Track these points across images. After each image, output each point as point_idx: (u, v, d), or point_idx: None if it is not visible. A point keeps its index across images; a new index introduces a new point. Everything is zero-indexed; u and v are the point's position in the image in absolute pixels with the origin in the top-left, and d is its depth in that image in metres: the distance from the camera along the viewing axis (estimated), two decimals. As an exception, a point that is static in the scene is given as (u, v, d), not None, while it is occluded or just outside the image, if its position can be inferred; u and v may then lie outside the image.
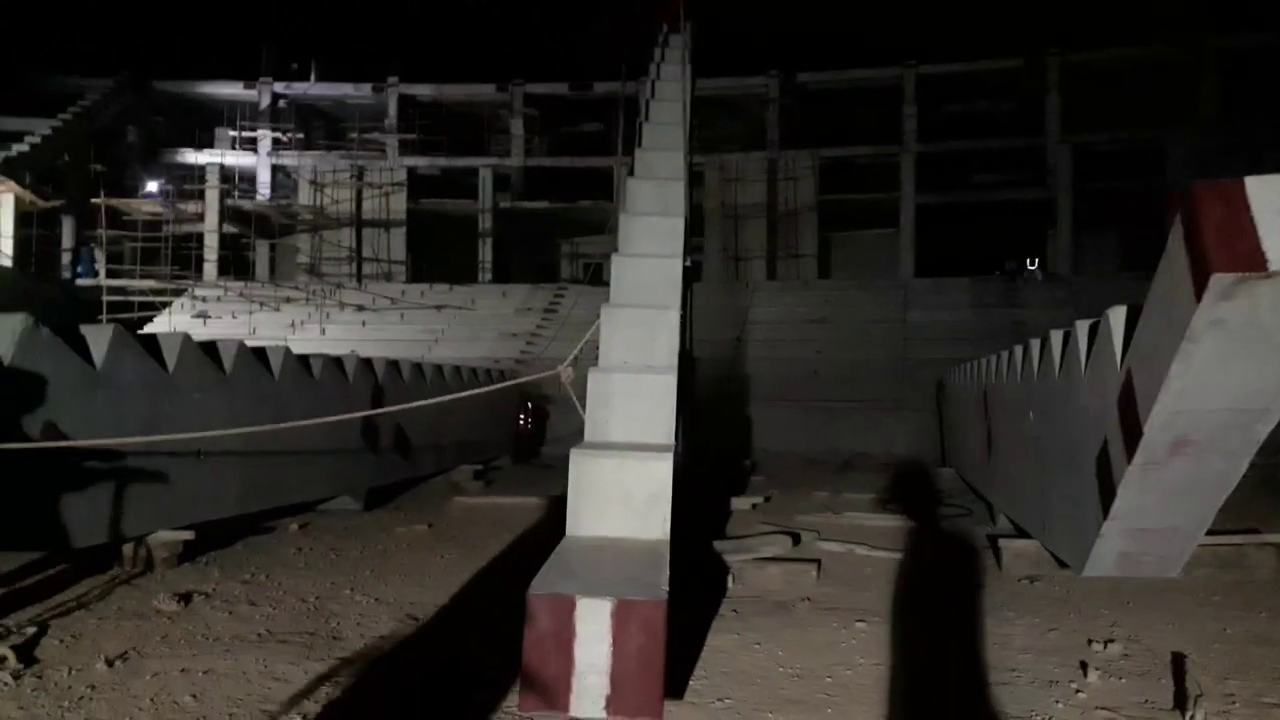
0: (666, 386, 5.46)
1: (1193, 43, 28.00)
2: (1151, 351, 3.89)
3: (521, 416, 16.20)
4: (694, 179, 29.23)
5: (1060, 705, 3.84)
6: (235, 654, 4.40)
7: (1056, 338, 6.00)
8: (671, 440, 5.40)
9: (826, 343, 22.27)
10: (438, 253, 31.75)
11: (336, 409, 8.78)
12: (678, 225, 7.59)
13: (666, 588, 3.82)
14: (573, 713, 3.54)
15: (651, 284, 6.73)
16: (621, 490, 4.77)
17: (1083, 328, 5.29)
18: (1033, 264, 28.17)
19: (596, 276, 33.03)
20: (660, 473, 4.77)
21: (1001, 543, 6.69)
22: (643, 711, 3.50)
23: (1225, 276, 3.20)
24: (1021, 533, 7.22)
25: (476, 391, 8.37)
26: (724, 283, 28.86)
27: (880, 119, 30.87)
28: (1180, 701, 3.85)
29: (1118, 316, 4.54)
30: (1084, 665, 4.31)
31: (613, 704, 3.47)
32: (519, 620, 3.47)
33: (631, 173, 8.79)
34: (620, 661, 3.49)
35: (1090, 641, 4.73)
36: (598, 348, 7.72)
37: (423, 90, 33.04)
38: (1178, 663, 4.30)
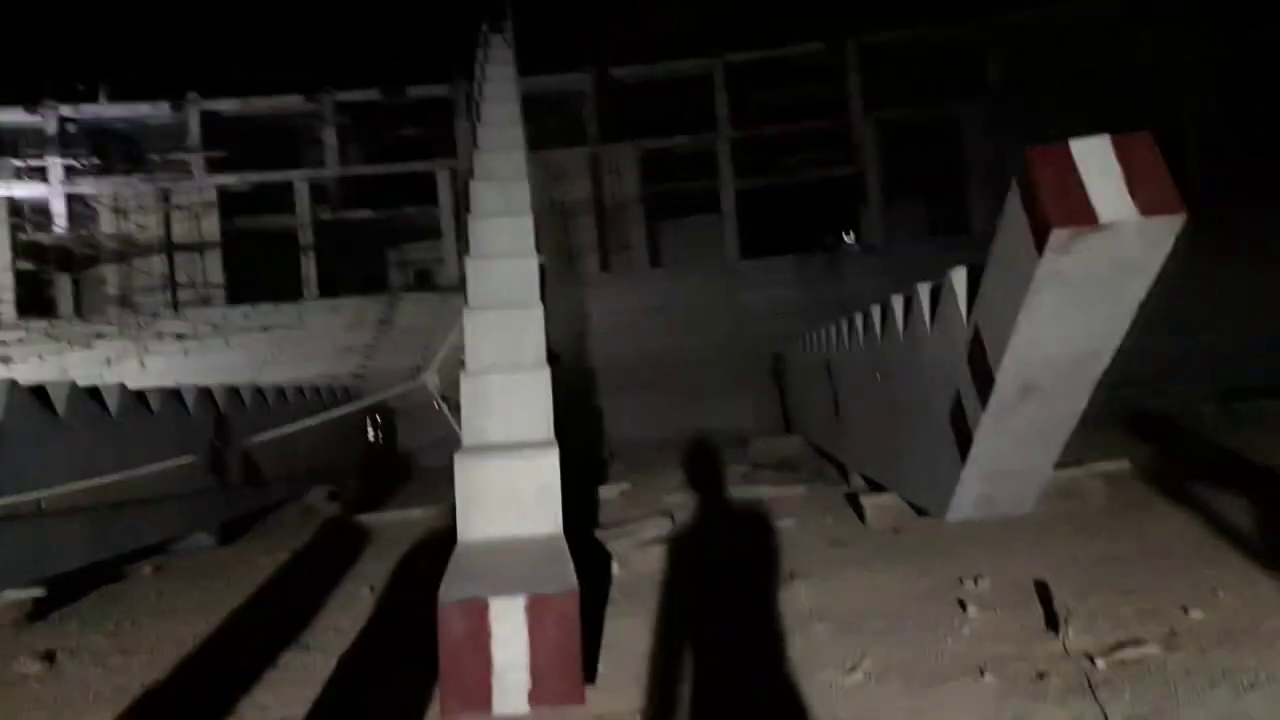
0: (542, 384, 5.52)
1: (979, 20, 29.91)
2: (998, 306, 4.22)
3: (370, 433, 15.82)
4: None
5: (949, 641, 4.12)
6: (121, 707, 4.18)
7: (898, 303, 6.37)
8: (552, 436, 5.45)
9: (666, 330, 22.70)
10: (258, 272, 30.46)
11: (179, 443, 8.39)
12: (527, 224, 7.63)
13: (574, 579, 3.89)
14: (496, 710, 3.57)
15: (510, 284, 6.76)
16: (510, 490, 4.80)
17: (924, 290, 5.65)
18: (849, 237, 29.50)
19: (426, 281, 32.50)
20: (548, 468, 4.82)
21: (863, 499, 7.05)
22: (565, 699, 3.57)
23: (1062, 231, 3.52)
24: (876, 488, 7.63)
25: (339, 412, 8.16)
26: (558, 279, 28.91)
27: (696, 109, 31.63)
28: (1052, 622, 4.20)
29: (959, 277, 4.88)
30: (962, 603, 4.63)
31: (535, 695, 3.52)
32: (425, 632, 3.47)
33: (471, 175, 8.76)
34: (538, 655, 3.55)
35: (961, 580, 5.07)
36: (461, 351, 7.68)
37: (226, 105, 31.59)
38: (1042, 589, 4.68)
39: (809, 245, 28.84)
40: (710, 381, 19.32)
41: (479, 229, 7.37)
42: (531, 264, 6.98)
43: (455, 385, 7.32)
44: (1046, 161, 3.62)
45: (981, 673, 3.68)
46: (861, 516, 7.15)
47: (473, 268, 6.81)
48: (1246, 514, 6.11)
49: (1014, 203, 3.87)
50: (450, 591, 3.68)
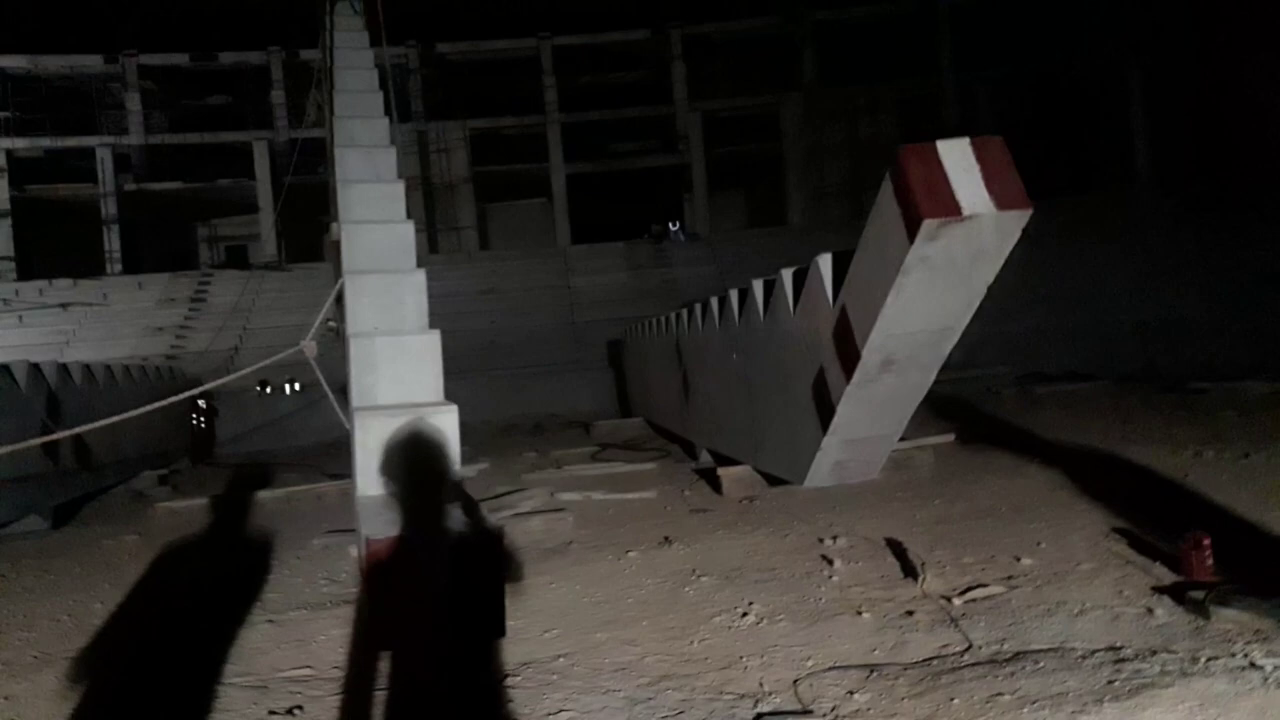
0: (431, 346, 5.65)
1: (796, 15, 31.24)
2: (866, 287, 4.71)
3: (195, 416, 15.20)
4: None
5: (823, 589, 4.59)
6: (23, 678, 4.10)
7: (758, 286, 6.84)
8: (443, 397, 5.60)
9: (499, 312, 22.76)
10: (55, 245, 28.32)
11: (10, 422, 7.98)
12: (398, 190, 7.69)
13: (494, 524, 4.12)
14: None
15: (386, 249, 6.82)
16: (410, 445, 4.95)
17: (787, 275, 6.13)
18: (675, 225, 30.28)
19: (240, 259, 31.10)
20: (448, 425, 5.00)
21: (719, 471, 7.53)
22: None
23: (932, 221, 4.01)
24: (728, 461, 8.13)
25: (196, 391, 7.97)
26: (386, 259, 28.37)
27: (526, 90, 31.60)
28: (908, 571, 4.74)
29: (826, 262, 5.37)
30: (826, 558, 5.13)
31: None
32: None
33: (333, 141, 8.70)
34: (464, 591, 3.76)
35: (821, 539, 5.59)
36: (330, 320, 7.64)
37: (14, 62, 29.11)
38: (895, 545, 5.24)
39: (637, 232, 29.43)
40: (546, 364, 19.57)
41: (349, 195, 7.36)
42: (407, 229, 7.06)
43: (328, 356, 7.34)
44: (917, 159, 4.11)
45: (859, 612, 4.15)
46: (717, 488, 7.63)
47: (349, 232, 6.82)
48: (1050, 480, 6.96)
49: (887, 195, 4.35)
50: (373, 530, 3.85)
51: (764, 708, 3.21)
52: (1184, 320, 17.38)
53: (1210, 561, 4.24)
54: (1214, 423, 9.30)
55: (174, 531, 7.98)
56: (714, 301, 8.28)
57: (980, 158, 4.09)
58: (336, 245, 7.94)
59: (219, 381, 10.56)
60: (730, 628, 4.09)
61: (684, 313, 9.79)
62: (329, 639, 4.34)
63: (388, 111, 9.31)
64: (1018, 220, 4.12)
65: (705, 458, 9.43)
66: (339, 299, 7.26)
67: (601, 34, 32.46)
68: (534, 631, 4.23)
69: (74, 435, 9.54)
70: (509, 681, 3.61)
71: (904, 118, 31.12)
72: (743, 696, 3.32)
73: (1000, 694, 3.09)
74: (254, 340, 20.90)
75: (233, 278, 26.28)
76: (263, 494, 9.29)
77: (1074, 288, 19.46)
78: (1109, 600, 4.07)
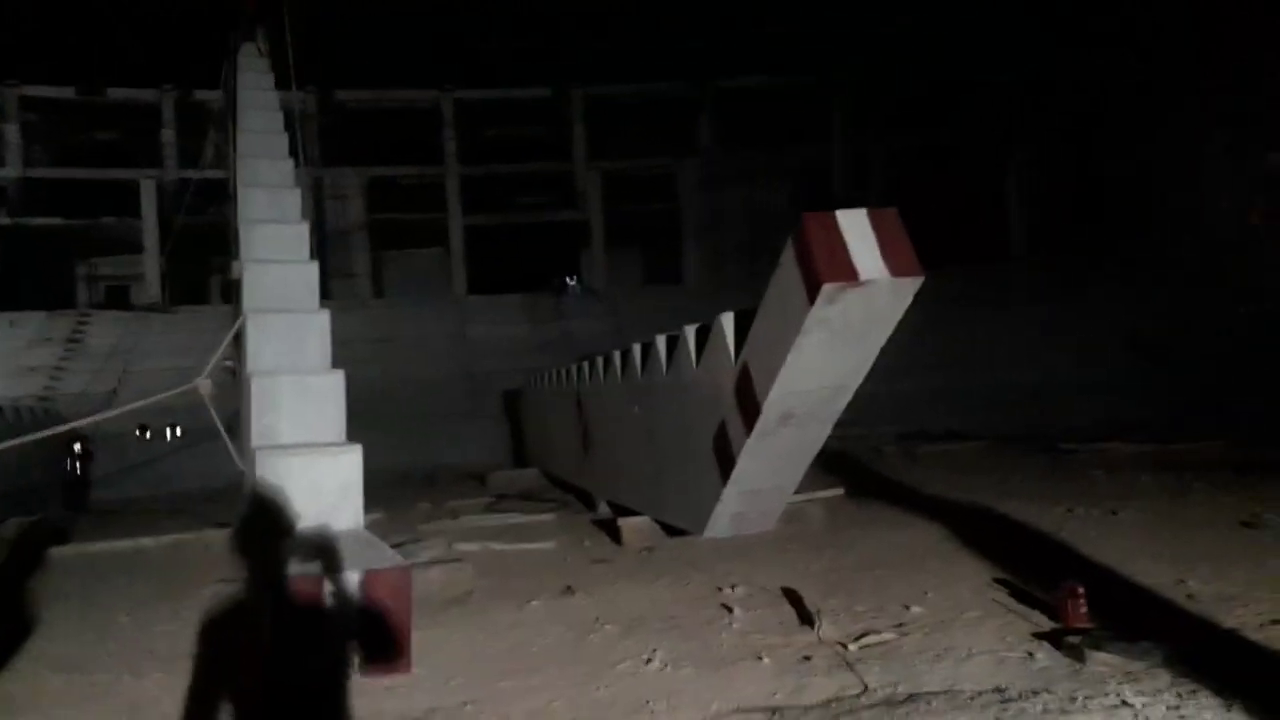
0: (335, 386, 5.64)
1: (696, 82, 32.14)
2: (767, 345, 4.92)
3: (69, 460, 14.54)
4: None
5: (724, 636, 4.72)
6: None
7: (661, 342, 7.02)
8: (344, 437, 5.57)
9: (393, 361, 22.44)
10: (-83, 278, 26.81)
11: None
12: (302, 231, 7.68)
13: (402, 559, 4.13)
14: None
15: (290, 289, 6.79)
16: (312, 485, 4.93)
17: (690, 332, 6.32)
18: (573, 279, 30.52)
19: (121, 300, 29.96)
20: (350, 464, 5.01)
21: (620, 522, 7.62)
22: (395, 669, 3.82)
23: (831, 285, 4.26)
24: (627, 512, 8.22)
25: (68, 427, 7.70)
26: (276, 304, 27.77)
27: (425, 141, 31.59)
28: (805, 618, 4.91)
29: (728, 321, 5.58)
30: (726, 606, 5.26)
31: (366, 666, 3.74)
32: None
33: (237, 181, 8.63)
34: (371, 627, 3.78)
35: (720, 588, 5.72)
36: (227, 360, 7.49)
37: (-123, 87, 27.77)
38: (791, 594, 5.41)
39: (535, 285, 29.54)
40: (440, 415, 19.38)
41: (253, 235, 7.33)
42: (311, 269, 7.05)
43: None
44: (818, 226, 4.37)
45: (759, 658, 4.29)
46: (617, 538, 7.71)
47: (251, 271, 6.78)
48: (935, 534, 7.27)
49: (788, 260, 4.59)
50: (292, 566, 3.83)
51: (672, 749, 3.30)
52: (1058, 384, 18.33)
53: (1084, 610, 4.52)
54: (1084, 481, 9.85)
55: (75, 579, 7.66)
56: (616, 355, 8.43)
57: (876, 227, 4.37)
58: (237, 284, 7.86)
59: (97, 417, 10.24)
60: (636, 674, 4.18)
61: (585, 365, 9.91)
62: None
63: (293, 154, 9.30)
64: (910, 286, 4.41)
65: (604, 509, 9.51)
66: (237, 338, 7.18)
67: (504, 90, 32.77)
68: (437, 679, 4.23)
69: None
70: (416, 727, 3.62)
71: (798, 184, 32.21)
72: (651, 739, 3.40)
73: (896, 733, 3.25)
74: (135, 383, 20.10)
75: (114, 319, 25.30)
76: (146, 541, 8.96)
77: (955, 353, 20.32)
78: (993, 645, 4.30)
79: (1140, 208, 25.50)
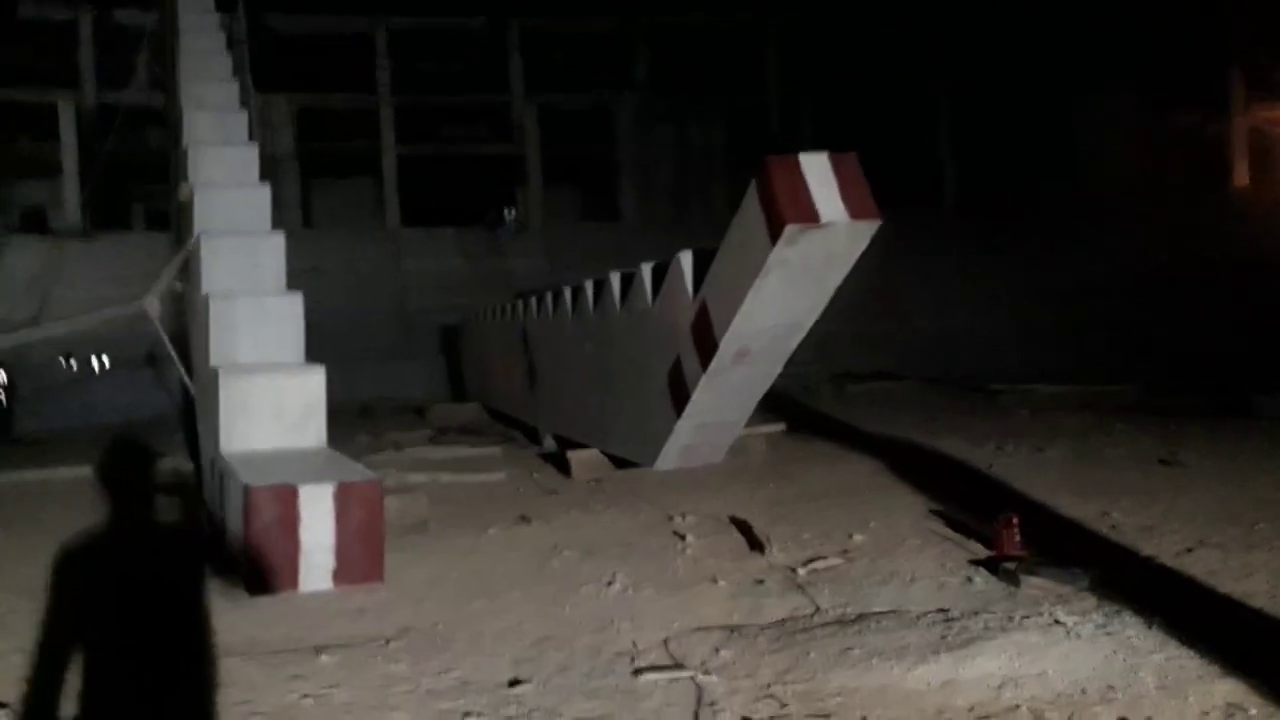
0: (294, 308, 5.64)
1: (630, 18, 31.78)
2: (728, 284, 5.07)
3: (-7, 391, 14.17)
4: (163, 120, 26.47)
5: (679, 561, 4.93)
6: None
7: (615, 278, 7.13)
8: (303, 360, 5.60)
9: (325, 294, 22.04)
10: None
11: None
12: (252, 153, 7.58)
13: (373, 473, 4.24)
14: (302, 588, 3.86)
15: (241, 212, 6.74)
16: (275, 406, 4.97)
17: (646, 269, 6.44)
18: (509, 214, 30.24)
19: (37, 224, 28.86)
20: (314, 385, 5.07)
21: (569, 454, 7.78)
22: (368, 577, 3.95)
23: (794, 227, 4.40)
24: (574, 446, 8.37)
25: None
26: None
27: (358, 69, 30.78)
28: (754, 545, 5.14)
29: (687, 260, 5.71)
30: (678, 534, 5.47)
31: (339, 575, 3.87)
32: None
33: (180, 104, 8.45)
34: (344, 537, 3.90)
35: (671, 517, 5.93)
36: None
37: None
38: (740, 523, 5.64)
39: (470, 219, 29.19)
40: (375, 349, 19.24)
41: (201, 157, 7.22)
42: (263, 192, 6.99)
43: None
44: (781, 170, 4.50)
45: (715, 581, 4.50)
46: (565, 471, 7.87)
47: (202, 194, 6.70)
48: (872, 468, 7.58)
49: (751, 201, 4.72)
50: (256, 479, 3.90)
51: (640, 663, 3.49)
52: (978, 331, 18.92)
53: (1018, 539, 4.82)
54: (1011, 421, 10.30)
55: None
56: (567, 291, 8.51)
57: (837, 171, 4.52)
58: (185, 207, 7.73)
59: (24, 334, 9.96)
60: (598, 596, 4.36)
61: (532, 301, 9.97)
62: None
63: (236, 76, 9.09)
64: (868, 229, 4.58)
65: (550, 443, 9.65)
66: (187, 261, 7.10)
67: (438, 18, 32.00)
68: (407, 602, 4.35)
69: None
70: (392, 645, 3.75)
71: (732, 128, 32.23)
72: (619, 654, 3.59)
73: (850, 648, 3.48)
74: (56, 312, 19.52)
75: (31, 244, 24.40)
76: (62, 471, 8.80)
77: (880, 297, 20.74)
78: (934, 572, 4.58)
79: (1057, 161, 26.17)
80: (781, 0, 31.05)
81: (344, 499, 3.82)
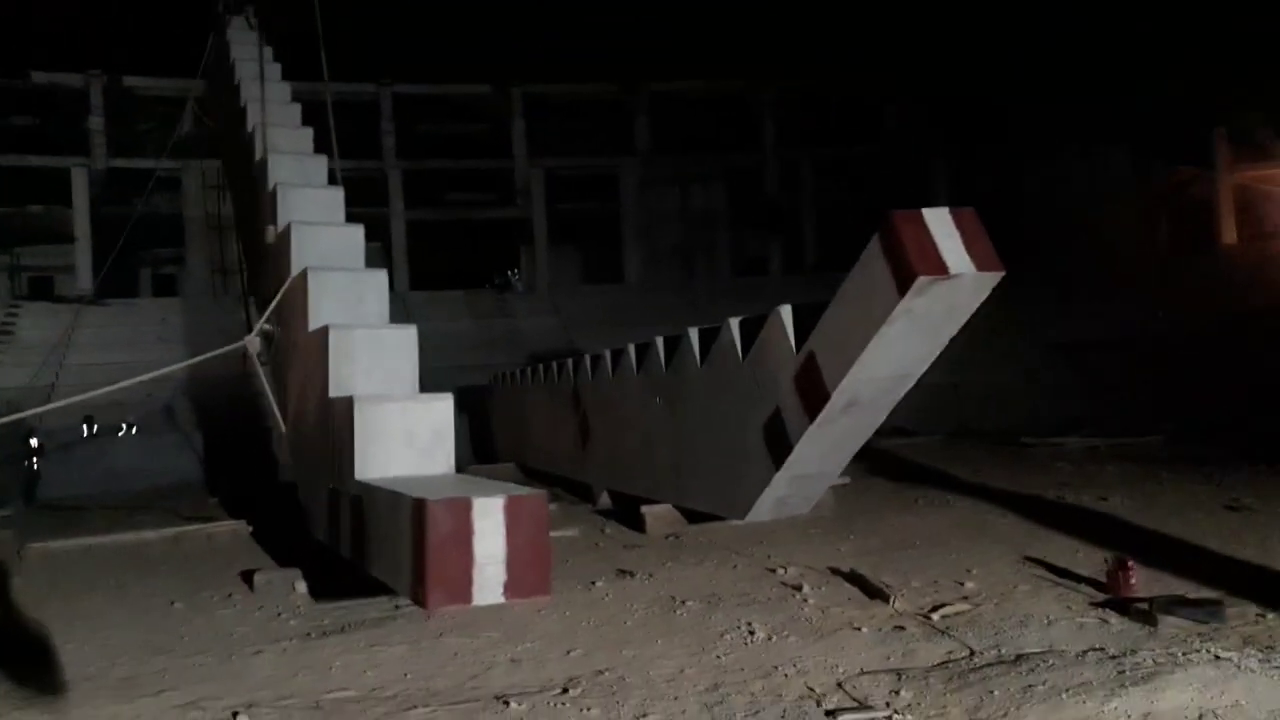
0: (408, 340, 5.72)
1: (631, 84, 32.47)
2: (842, 335, 5.21)
3: (28, 458, 14.09)
4: (173, 185, 26.85)
5: (805, 610, 4.99)
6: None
7: (693, 335, 7.25)
8: (418, 389, 5.69)
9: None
10: None
11: None
12: (338, 196, 7.77)
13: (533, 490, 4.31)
14: (475, 601, 3.90)
15: (337, 250, 6.88)
16: (406, 432, 5.05)
17: (734, 325, 6.57)
18: (515, 276, 30.51)
19: (45, 291, 28.87)
20: (443, 412, 5.14)
21: (643, 509, 7.83)
22: (536, 591, 4.00)
23: (925, 278, 4.56)
24: (632, 501, 8.40)
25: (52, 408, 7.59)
26: (214, 298, 27.14)
27: (363, 134, 31.17)
28: (872, 594, 5.21)
29: (787, 313, 5.85)
30: (788, 585, 5.53)
31: (510, 588, 3.91)
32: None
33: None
34: (514, 551, 3.95)
35: (771, 570, 5.99)
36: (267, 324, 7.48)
37: None
38: (845, 573, 5.71)
39: (477, 281, 29.43)
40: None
41: (290, 198, 7.40)
42: (356, 232, 7.14)
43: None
44: (906, 223, 4.67)
45: (856, 628, 4.57)
46: (635, 525, 7.93)
47: (298, 232, 6.84)
48: (944, 518, 7.71)
49: (874, 253, 4.88)
50: (429, 495, 3.96)
51: (827, 705, 3.55)
52: (992, 384, 19.16)
53: (1135, 581, 4.93)
54: (1055, 472, 10.42)
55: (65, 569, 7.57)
56: (630, 349, 8.62)
57: (959, 225, 4.69)
58: (271, 249, 7.87)
59: (79, 398, 9.86)
60: (746, 644, 4.41)
61: (585, 360, 10.08)
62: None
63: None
64: (991, 280, 4.74)
65: (605, 499, 9.69)
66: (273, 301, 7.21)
67: (443, 85, 32.61)
68: (555, 651, 4.41)
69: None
70: (571, 692, 3.79)
71: (732, 189, 32.84)
72: (801, 698, 3.65)
73: (1032, 685, 3.56)
74: (73, 378, 19.47)
75: (43, 310, 24.40)
76: (149, 534, 8.82)
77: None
78: (1063, 614, 4.66)
79: (1053, 220, 26.76)
80: (778, 69, 31.84)
81: (514, 512, 3.87)
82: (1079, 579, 5.29)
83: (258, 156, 8.84)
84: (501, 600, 3.86)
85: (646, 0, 32.59)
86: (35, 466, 14.08)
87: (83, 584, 6.94)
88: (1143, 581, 4.91)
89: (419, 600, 3.93)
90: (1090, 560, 5.69)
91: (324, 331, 5.71)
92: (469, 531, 3.83)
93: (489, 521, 3.86)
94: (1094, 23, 26.05)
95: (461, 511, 3.85)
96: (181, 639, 5.16)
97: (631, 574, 6.08)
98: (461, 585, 3.82)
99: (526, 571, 3.90)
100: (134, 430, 16.05)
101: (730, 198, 32.86)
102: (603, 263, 33.35)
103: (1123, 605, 4.65)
